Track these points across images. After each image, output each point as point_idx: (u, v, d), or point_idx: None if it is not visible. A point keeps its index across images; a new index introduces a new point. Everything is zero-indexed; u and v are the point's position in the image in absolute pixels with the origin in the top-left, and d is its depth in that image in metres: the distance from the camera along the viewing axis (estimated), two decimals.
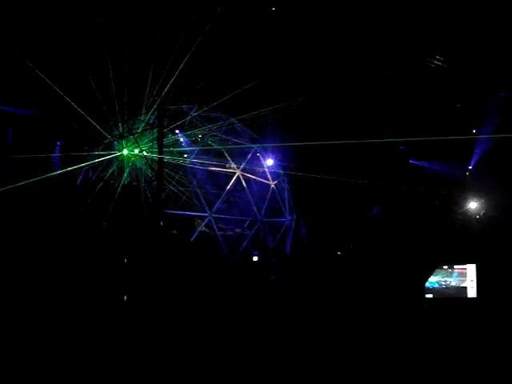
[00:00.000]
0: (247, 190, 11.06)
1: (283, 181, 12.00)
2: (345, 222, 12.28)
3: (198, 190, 11.12)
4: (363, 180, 12.33)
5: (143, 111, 12.01)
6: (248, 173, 11.35)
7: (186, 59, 10.54)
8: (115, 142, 12.21)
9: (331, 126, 11.77)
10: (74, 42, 10.43)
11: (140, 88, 11.76)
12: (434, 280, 5.78)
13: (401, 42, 10.87)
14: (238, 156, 11.59)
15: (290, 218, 11.65)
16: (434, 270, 5.72)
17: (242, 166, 11.22)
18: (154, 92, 11.50)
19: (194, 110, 11.82)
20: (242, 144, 11.62)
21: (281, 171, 12.03)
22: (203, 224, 10.82)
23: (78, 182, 12.58)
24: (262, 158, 11.78)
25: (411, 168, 13.75)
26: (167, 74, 11.38)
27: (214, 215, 10.81)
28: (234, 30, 11.84)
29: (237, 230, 11.64)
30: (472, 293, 5.74)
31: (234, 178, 11.06)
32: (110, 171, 12.71)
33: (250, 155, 11.40)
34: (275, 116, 11.68)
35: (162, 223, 10.78)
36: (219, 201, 10.84)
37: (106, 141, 12.48)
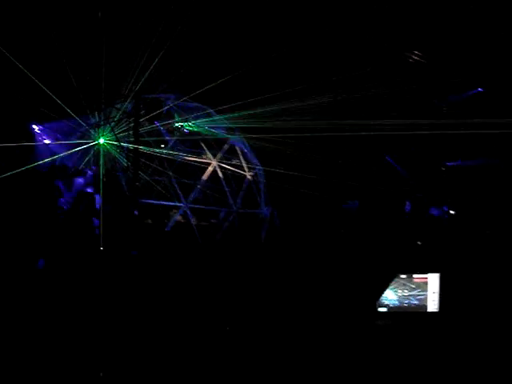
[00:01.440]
0: (223, 181, 11.06)
1: (259, 171, 12.02)
2: (319, 214, 12.35)
3: (174, 180, 11.09)
4: (338, 174, 12.46)
5: (120, 99, 11.92)
6: (224, 163, 11.34)
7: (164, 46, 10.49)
8: (91, 131, 12.11)
9: (309, 121, 11.78)
10: (48, 25, 10.24)
11: (117, 75, 11.65)
12: (389, 292, 4.92)
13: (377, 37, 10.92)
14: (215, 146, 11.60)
15: (265, 209, 11.68)
16: (392, 279, 4.88)
17: (218, 157, 11.23)
18: (132, 80, 11.43)
19: (171, 99, 11.77)
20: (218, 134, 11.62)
21: (257, 162, 12.06)
22: (178, 214, 10.79)
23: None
24: (238, 149, 11.78)
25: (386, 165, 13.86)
26: (145, 61, 11.31)
27: (189, 205, 10.79)
28: (214, 18, 11.77)
29: (212, 221, 11.63)
30: (433, 306, 5.03)
31: (210, 168, 11.05)
32: (86, 160, 12.64)
33: (227, 146, 11.39)
34: (253, 107, 11.70)
35: (136, 213, 10.77)
36: (194, 191, 10.83)
37: (81, 129, 12.37)
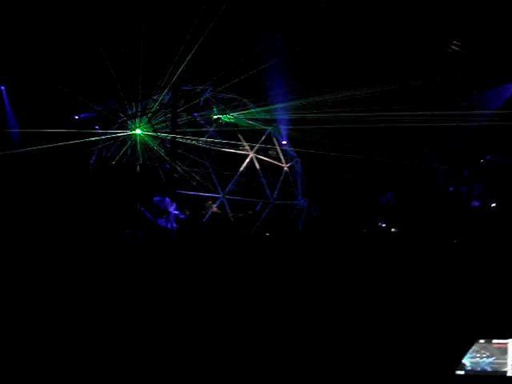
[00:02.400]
0: (260, 172, 11.03)
1: (296, 163, 11.95)
2: (357, 206, 12.22)
3: (212, 171, 11.12)
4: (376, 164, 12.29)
5: (157, 91, 11.97)
6: (261, 155, 11.32)
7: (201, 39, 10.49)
8: (129, 122, 12.21)
9: (345, 111, 11.65)
10: (88, 19, 10.35)
11: (154, 67, 11.71)
12: (467, 356, 4.59)
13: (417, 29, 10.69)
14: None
15: (302, 201, 11.63)
16: (471, 345, 4.58)
17: (255, 148, 11.20)
18: (169, 71, 11.47)
19: (208, 90, 11.77)
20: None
21: (294, 153, 11.99)
22: (215, 205, 10.83)
23: (92, 161, 12.56)
24: (275, 141, 11.72)
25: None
26: (182, 53, 11.34)
27: (226, 196, 10.82)
28: (249, 11, 11.70)
29: (249, 212, 11.64)
30: None
31: (247, 159, 11.03)
32: (123, 150, 12.74)
33: (264, 137, 11.35)
34: (289, 98, 11.61)
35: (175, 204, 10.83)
36: (231, 182, 10.84)
37: (119, 120, 12.48)
